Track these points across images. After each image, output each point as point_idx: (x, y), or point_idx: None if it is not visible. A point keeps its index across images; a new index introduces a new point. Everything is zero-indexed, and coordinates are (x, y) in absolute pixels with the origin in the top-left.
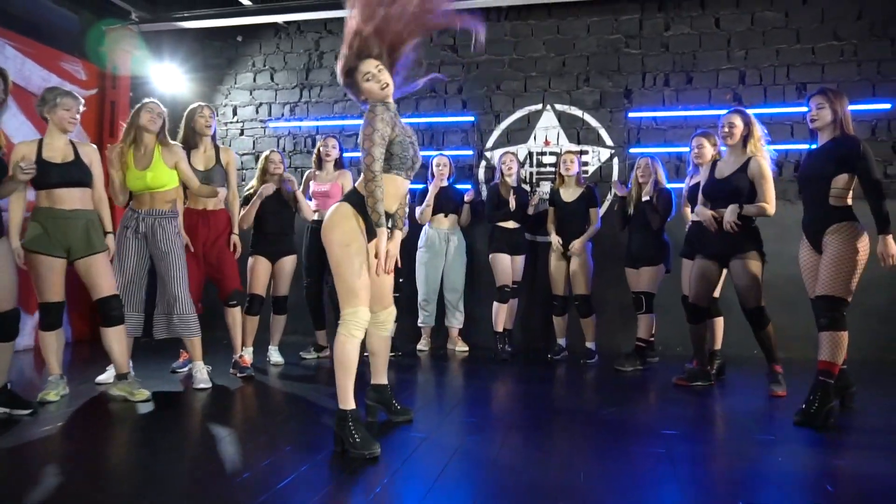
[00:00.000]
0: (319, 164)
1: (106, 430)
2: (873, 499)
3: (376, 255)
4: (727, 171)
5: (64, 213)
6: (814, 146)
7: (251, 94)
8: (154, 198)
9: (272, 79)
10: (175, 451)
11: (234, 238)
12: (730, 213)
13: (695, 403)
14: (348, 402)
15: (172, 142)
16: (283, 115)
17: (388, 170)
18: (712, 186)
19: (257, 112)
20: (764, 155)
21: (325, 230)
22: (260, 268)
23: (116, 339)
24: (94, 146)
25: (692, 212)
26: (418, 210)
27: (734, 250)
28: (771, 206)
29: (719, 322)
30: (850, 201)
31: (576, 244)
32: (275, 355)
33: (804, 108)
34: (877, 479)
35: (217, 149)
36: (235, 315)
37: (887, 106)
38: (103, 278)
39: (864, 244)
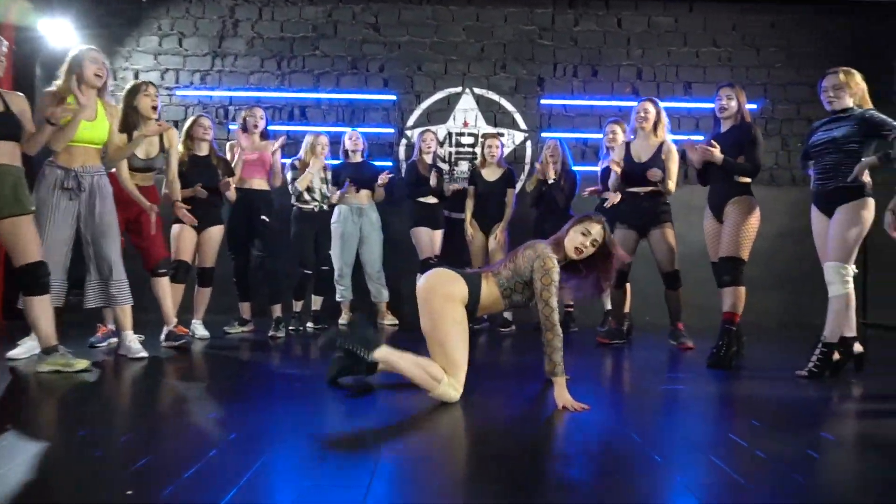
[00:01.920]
0: (244, 133)
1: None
2: (767, 410)
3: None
4: (644, 155)
5: None
6: (717, 131)
7: (156, 58)
8: (88, 153)
9: (181, 44)
10: (74, 431)
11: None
12: (658, 174)
13: (619, 356)
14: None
15: (112, 103)
16: (192, 83)
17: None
18: (630, 169)
19: (163, 78)
20: (670, 140)
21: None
22: (186, 235)
23: (44, 310)
24: (23, 95)
25: (602, 192)
26: (336, 195)
27: (653, 222)
28: (673, 183)
29: (628, 288)
30: (748, 179)
31: (499, 233)
32: (200, 329)
33: (689, 104)
34: (772, 401)
35: (104, 106)
36: (164, 284)
37: (753, 106)
38: (31, 242)
39: (757, 215)
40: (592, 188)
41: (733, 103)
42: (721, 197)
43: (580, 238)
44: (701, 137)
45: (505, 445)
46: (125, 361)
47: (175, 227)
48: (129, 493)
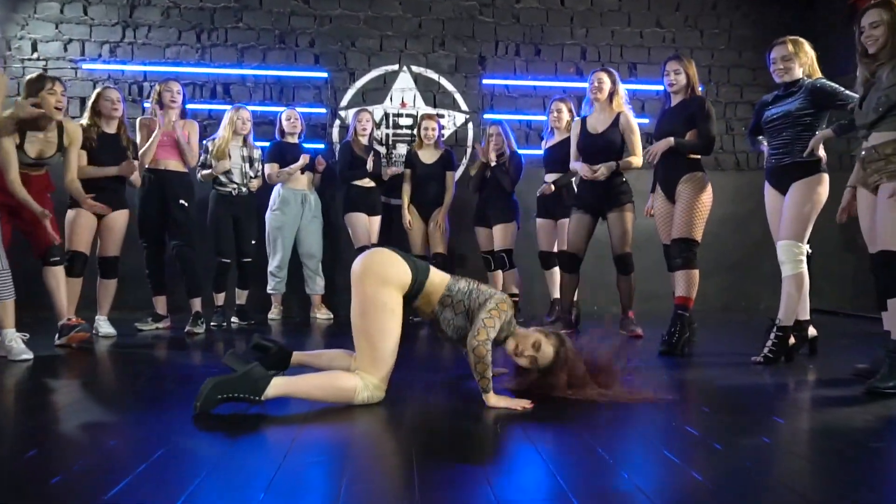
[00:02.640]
0: (160, 110)
1: None
2: (722, 399)
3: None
4: (600, 126)
5: None
6: (667, 106)
7: (57, 27)
8: None
9: (85, 12)
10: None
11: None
12: (606, 169)
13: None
14: None
15: None
16: (100, 55)
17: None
18: (586, 142)
19: (66, 50)
20: (628, 110)
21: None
22: (83, 222)
23: None
24: None
25: (547, 173)
26: (271, 170)
27: (611, 204)
28: (639, 157)
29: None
30: (698, 155)
31: (439, 219)
32: (104, 326)
33: (635, 86)
34: (729, 389)
35: (61, 129)
36: (58, 274)
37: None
38: None
39: (710, 192)
40: (543, 192)
41: (681, 77)
42: (672, 175)
43: (529, 349)
44: (646, 121)
45: (441, 443)
46: (5, 364)
47: (70, 213)
48: None
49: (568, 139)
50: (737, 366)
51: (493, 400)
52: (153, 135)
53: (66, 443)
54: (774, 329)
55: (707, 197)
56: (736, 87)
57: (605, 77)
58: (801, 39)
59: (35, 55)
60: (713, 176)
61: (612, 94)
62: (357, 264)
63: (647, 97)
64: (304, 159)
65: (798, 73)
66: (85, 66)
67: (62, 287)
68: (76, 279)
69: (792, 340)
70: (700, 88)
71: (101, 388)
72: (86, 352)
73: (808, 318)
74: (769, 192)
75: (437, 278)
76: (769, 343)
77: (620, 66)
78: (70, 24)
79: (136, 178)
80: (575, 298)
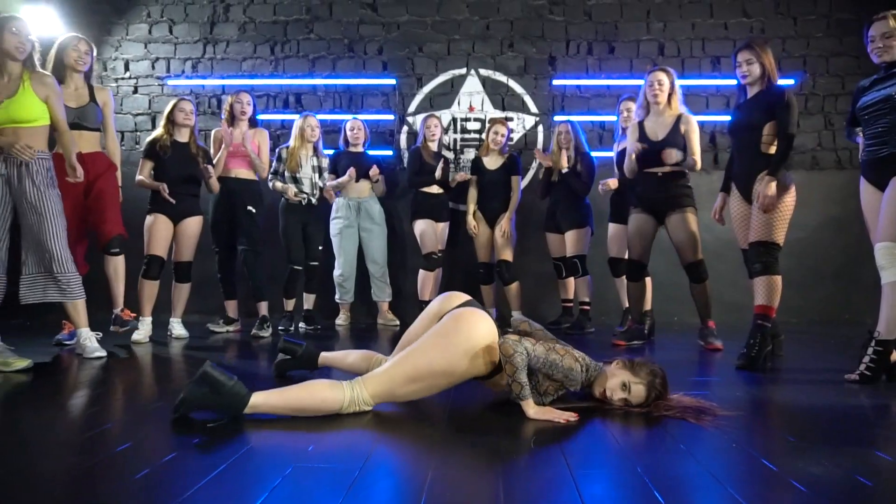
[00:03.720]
0: (232, 121)
1: None
2: (807, 423)
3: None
4: (661, 132)
5: None
6: (741, 100)
7: (146, 47)
8: (19, 133)
9: (171, 31)
10: (46, 433)
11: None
12: (675, 155)
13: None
14: None
15: (44, 71)
16: (183, 71)
17: None
18: (650, 148)
19: (153, 68)
20: (686, 111)
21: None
22: (160, 226)
23: None
24: None
25: (619, 175)
26: (330, 183)
27: (672, 206)
28: (699, 159)
29: (649, 283)
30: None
31: (504, 225)
32: (177, 328)
33: (718, 81)
34: (814, 411)
35: (91, 87)
36: (117, 264)
37: (791, 81)
38: None
39: (793, 193)
40: (605, 185)
41: (755, 67)
42: (748, 173)
43: (618, 392)
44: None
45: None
46: (82, 361)
47: (148, 218)
48: None
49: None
50: (828, 384)
51: (533, 411)
52: (221, 149)
53: (154, 438)
54: (873, 343)
55: (790, 198)
56: (836, 78)
57: (664, 78)
58: None
59: (127, 74)
60: (810, 176)
61: (670, 96)
62: (467, 313)
63: (732, 92)
64: (349, 175)
65: None
66: (170, 81)
67: (120, 277)
68: (153, 281)
69: (895, 356)
70: (778, 77)
71: (174, 387)
72: (158, 352)
73: None
74: (865, 189)
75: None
76: (866, 359)
77: (702, 61)
78: (157, 43)
79: (213, 183)
80: (648, 307)
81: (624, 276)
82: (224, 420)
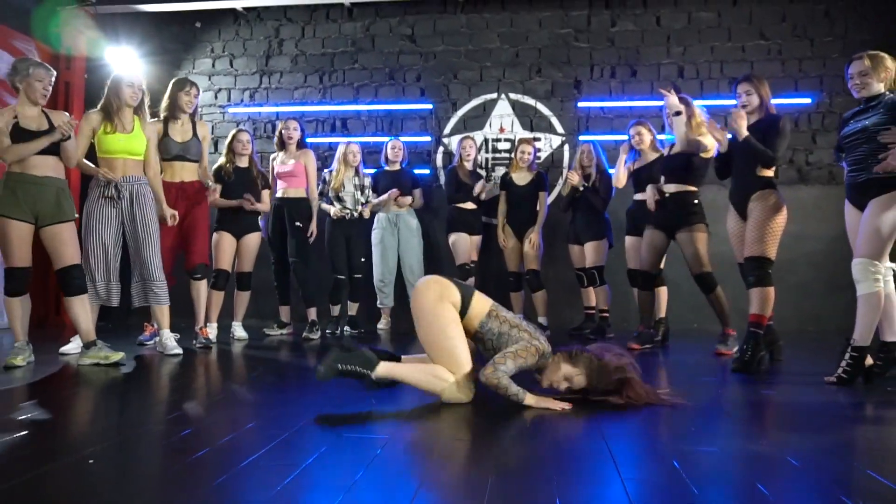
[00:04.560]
0: (282, 146)
1: (71, 397)
2: (805, 418)
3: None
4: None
5: (35, 179)
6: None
7: (210, 79)
8: (128, 164)
9: (231, 65)
10: (135, 420)
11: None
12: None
13: (645, 361)
14: None
15: (150, 119)
16: (242, 100)
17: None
18: (666, 161)
19: (216, 97)
20: (706, 133)
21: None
22: (225, 243)
23: (82, 308)
24: (67, 113)
25: (636, 193)
26: (374, 201)
27: (682, 223)
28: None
29: (663, 292)
30: (771, 173)
31: (533, 237)
32: (238, 331)
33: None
34: (789, 406)
35: (194, 124)
36: (200, 289)
37: (808, 100)
38: (69, 246)
39: (783, 211)
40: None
41: (754, 98)
42: (743, 192)
43: (561, 382)
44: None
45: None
46: (161, 358)
47: (214, 236)
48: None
49: (656, 159)
50: (810, 385)
51: (532, 400)
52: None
53: (211, 423)
54: (849, 349)
55: (780, 216)
56: (851, 97)
57: (643, 130)
58: (882, 54)
59: None
60: (827, 190)
61: (690, 117)
62: (414, 289)
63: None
64: (391, 194)
65: (877, 87)
66: (230, 109)
67: (202, 299)
68: (220, 292)
69: (870, 361)
70: (805, 107)
71: (236, 381)
72: (224, 351)
73: None
74: (848, 210)
75: (480, 300)
76: (843, 363)
77: (720, 82)
78: (219, 75)
79: (264, 204)
80: (663, 315)
81: None
82: (364, 383)
